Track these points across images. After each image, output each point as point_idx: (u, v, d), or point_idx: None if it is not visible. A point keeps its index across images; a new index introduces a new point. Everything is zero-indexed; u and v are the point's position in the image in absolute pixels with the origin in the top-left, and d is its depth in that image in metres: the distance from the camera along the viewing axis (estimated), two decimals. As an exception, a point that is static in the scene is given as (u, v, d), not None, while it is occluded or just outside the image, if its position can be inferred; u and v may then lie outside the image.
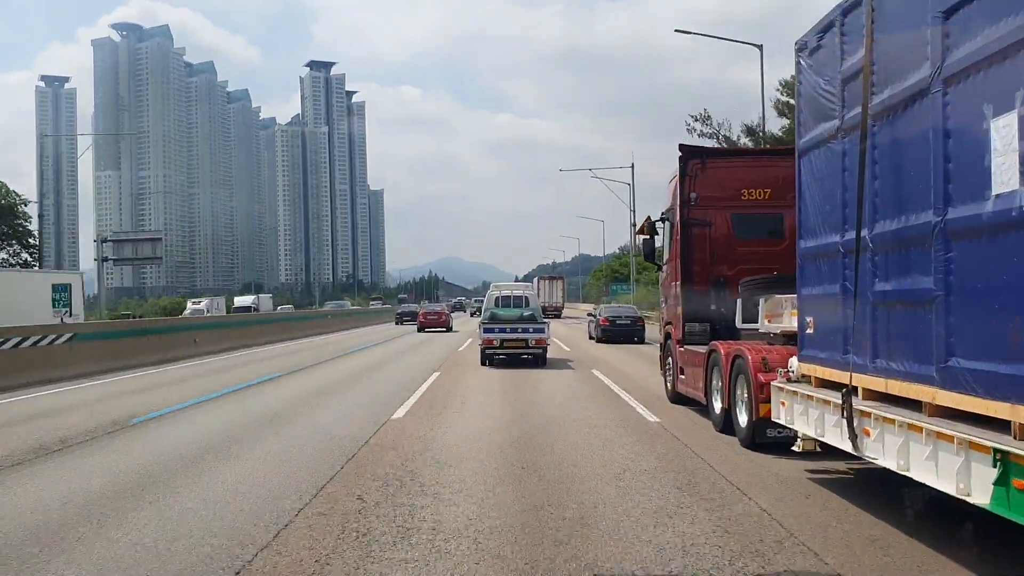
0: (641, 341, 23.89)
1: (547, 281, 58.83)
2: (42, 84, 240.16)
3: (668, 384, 10.84)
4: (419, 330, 34.54)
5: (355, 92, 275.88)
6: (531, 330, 15.71)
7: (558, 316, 50.50)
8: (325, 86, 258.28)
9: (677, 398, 10.32)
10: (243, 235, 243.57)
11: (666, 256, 11.32)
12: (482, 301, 20.84)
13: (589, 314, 29.25)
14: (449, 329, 34.91)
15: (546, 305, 44.63)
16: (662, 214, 11.39)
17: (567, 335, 28.37)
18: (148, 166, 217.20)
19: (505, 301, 17.32)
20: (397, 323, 44.71)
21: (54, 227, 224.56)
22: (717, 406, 8.27)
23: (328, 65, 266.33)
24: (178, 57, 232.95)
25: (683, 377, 9.90)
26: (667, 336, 10.98)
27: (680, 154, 10.18)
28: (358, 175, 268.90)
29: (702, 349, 8.93)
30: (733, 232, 10.08)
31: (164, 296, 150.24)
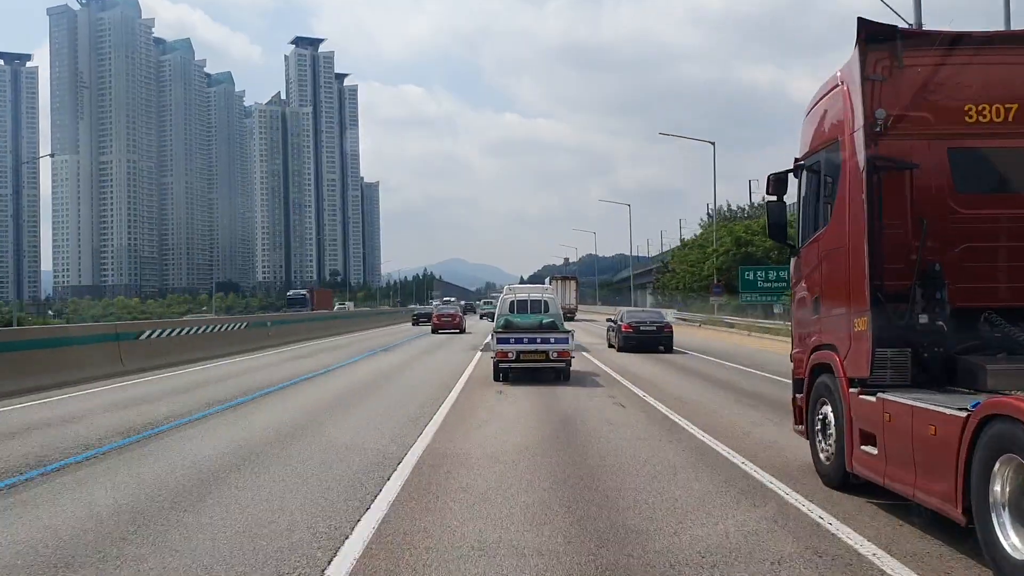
0: (668, 350, 22.99)
1: (559, 282, 58.43)
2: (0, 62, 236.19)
3: (821, 453, 6.70)
4: (433, 331, 36.71)
5: (347, 75, 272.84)
6: (552, 340, 14.59)
7: (572, 318, 49.98)
8: (312, 65, 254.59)
9: (845, 479, 6.21)
10: (224, 230, 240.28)
11: (806, 231, 7.27)
12: (491, 304, 18.99)
13: (609, 319, 27.77)
14: (462, 331, 36.82)
15: (560, 307, 49.76)
16: (797, 161, 7.32)
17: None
18: (110, 150, 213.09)
19: (521, 306, 16.61)
20: (414, 324, 48.15)
21: (12, 223, 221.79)
22: (1018, 542, 4.13)
23: (316, 42, 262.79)
24: (146, 29, 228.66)
25: (870, 451, 5.71)
26: (816, 369, 6.81)
27: (858, 37, 6.06)
28: (349, 164, 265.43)
29: (945, 410, 4.77)
30: (952, 181, 6.01)
31: (120, 296, 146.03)
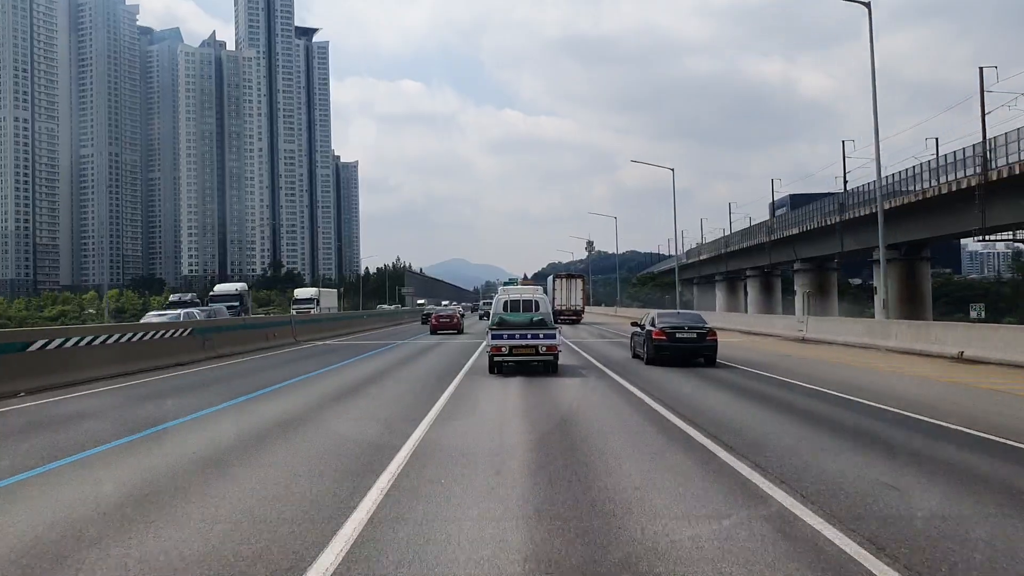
0: (711, 363, 21.84)
1: (564, 280, 60.20)
2: None
3: None
4: (431, 332, 42.83)
5: (316, 30, 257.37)
6: (541, 336, 18.61)
7: (577, 321, 54.17)
8: (266, 8, 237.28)
9: None
10: (168, 215, 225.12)
11: None
12: (489, 304, 26.06)
13: (634, 323, 25.76)
14: (460, 331, 43.11)
15: (563, 308, 55.51)
16: None
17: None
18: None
19: (514, 305, 20.28)
20: (423, 323, 54.95)
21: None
22: None
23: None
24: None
25: None
26: None
27: None
28: (319, 137, 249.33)
29: None
30: None
31: (18, 297, 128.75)
